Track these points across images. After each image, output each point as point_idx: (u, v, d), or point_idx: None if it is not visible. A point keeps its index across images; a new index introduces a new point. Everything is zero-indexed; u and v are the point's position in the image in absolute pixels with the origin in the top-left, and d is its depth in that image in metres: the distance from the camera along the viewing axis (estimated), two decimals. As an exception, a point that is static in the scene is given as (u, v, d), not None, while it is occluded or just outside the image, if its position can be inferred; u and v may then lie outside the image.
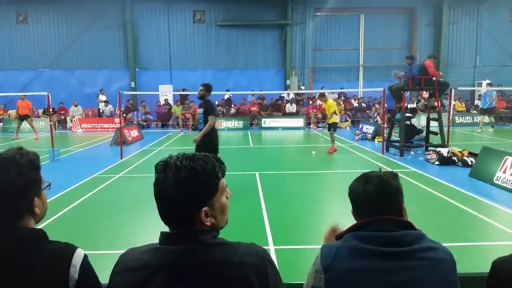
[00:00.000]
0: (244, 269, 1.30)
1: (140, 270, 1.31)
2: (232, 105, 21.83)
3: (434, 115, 11.81)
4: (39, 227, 1.48)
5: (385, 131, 12.00)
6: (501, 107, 20.85)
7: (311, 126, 20.31)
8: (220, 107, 21.05)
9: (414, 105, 14.90)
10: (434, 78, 11.18)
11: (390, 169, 1.75)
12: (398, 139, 11.73)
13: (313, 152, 12.10)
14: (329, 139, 12.39)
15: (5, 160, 1.41)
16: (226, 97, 21.75)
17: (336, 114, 12.13)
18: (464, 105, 22.26)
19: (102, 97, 21.48)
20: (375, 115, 20.52)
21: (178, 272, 1.28)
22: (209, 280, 1.27)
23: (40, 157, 1.54)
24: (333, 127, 12.07)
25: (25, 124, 16.88)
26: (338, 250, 1.54)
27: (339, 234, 1.64)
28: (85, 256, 1.44)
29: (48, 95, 12.64)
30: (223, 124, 19.82)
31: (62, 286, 1.34)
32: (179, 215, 1.34)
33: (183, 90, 21.45)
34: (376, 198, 1.61)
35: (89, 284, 1.42)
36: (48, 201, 1.58)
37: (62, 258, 1.38)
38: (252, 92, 21.65)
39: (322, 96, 12.36)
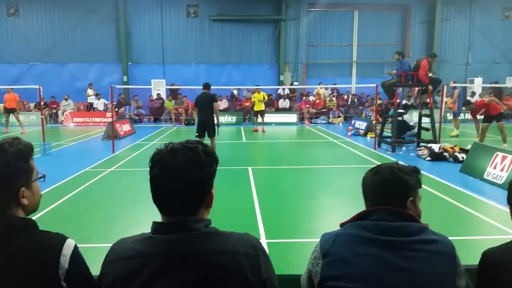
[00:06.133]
0: (237, 258, 1.31)
1: (133, 259, 1.30)
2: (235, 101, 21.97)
3: (426, 111, 11.88)
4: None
5: (377, 127, 12.06)
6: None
7: (305, 121, 20.33)
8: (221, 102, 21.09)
9: (409, 102, 14.97)
10: (429, 74, 11.22)
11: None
12: (390, 134, 11.78)
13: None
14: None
15: None
16: (235, 92, 21.93)
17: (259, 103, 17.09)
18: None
19: (90, 91, 21.31)
20: (370, 113, 20.52)
21: (170, 261, 1.28)
22: (202, 269, 1.27)
23: None
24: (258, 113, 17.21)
25: (14, 118, 16.65)
26: (337, 237, 1.58)
27: (343, 223, 1.66)
28: (75, 246, 1.43)
29: (39, 89, 12.51)
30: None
31: (52, 275, 1.33)
32: (191, 198, 1.35)
33: (172, 85, 21.33)
34: (381, 188, 1.65)
35: (79, 274, 1.41)
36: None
37: (52, 247, 1.37)
38: (248, 87, 21.66)
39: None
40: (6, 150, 1.39)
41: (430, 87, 11.26)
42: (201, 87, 9.96)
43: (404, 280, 1.43)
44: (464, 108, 13.22)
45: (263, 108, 17.41)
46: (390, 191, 1.63)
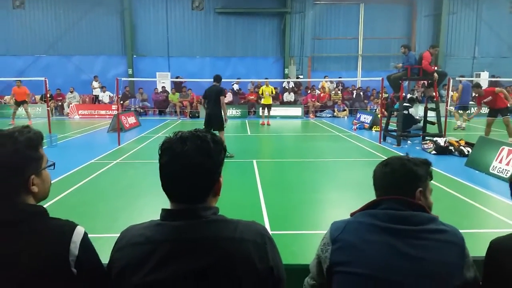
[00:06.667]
0: (244, 245, 1.32)
1: (142, 245, 1.32)
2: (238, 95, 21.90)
3: (431, 105, 11.83)
4: None
5: (382, 121, 12.03)
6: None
7: (310, 115, 20.29)
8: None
9: (414, 96, 14.90)
10: (435, 68, 11.17)
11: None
12: (396, 128, 11.75)
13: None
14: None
15: (3, 136, 1.40)
16: (235, 87, 21.83)
17: (268, 97, 17.27)
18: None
19: (96, 84, 21.36)
20: (375, 107, 20.44)
21: (179, 247, 1.29)
22: (210, 255, 1.28)
23: None
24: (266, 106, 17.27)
25: (21, 110, 16.83)
26: (347, 224, 1.61)
27: (353, 212, 1.69)
28: (85, 233, 1.44)
29: (45, 81, 12.55)
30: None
31: (62, 261, 1.35)
32: (200, 185, 1.36)
33: (177, 78, 21.33)
34: (390, 179, 1.67)
35: (89, 260, 1.43)
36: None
37: (63, 234, 1.39)
38: (253, 81, 21.59)
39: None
40: (16, 138, 1.40)
41: (436, 75, 11.18)
42: (206, 80, 9.88)
43: (412, 267, 1.45)
44: (473, 93, 13.01)
45: (271, 102, 17.58)
46: (399, 181, 1.65)
